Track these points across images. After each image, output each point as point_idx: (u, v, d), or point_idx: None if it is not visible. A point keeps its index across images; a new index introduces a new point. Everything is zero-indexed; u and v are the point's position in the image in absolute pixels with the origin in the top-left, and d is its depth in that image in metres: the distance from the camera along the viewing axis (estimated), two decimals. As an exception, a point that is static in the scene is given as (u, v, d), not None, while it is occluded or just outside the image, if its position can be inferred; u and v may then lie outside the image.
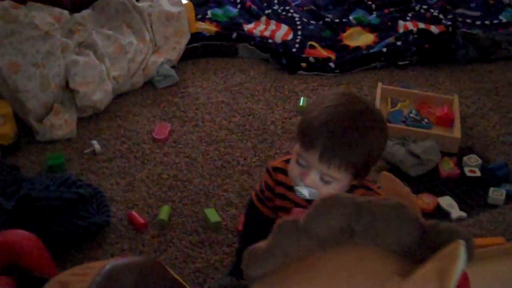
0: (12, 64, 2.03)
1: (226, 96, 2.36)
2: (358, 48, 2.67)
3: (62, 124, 2.08)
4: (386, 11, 2.98)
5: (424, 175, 2.00)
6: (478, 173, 1.99)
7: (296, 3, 3.03)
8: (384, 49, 2.58)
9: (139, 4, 2.49)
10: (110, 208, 1.78)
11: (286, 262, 0.81)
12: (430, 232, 0.77)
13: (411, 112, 2.21)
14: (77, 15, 2.37)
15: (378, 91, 2.28)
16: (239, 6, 2.94)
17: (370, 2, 3.03)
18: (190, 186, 1.91)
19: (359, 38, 2.75)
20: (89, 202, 1.71)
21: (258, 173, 1.97)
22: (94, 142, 2.05)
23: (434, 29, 2.78)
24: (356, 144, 1.22)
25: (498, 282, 1.54)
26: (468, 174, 1.99)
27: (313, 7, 2.98)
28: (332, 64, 2.54)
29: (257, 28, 2.77)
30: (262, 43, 2.61)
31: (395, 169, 1.99)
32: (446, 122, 2.17)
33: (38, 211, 1.59)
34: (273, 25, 2.81)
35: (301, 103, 2.30)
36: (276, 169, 1.42)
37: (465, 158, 2.04)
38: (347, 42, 2.73)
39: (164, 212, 1.78)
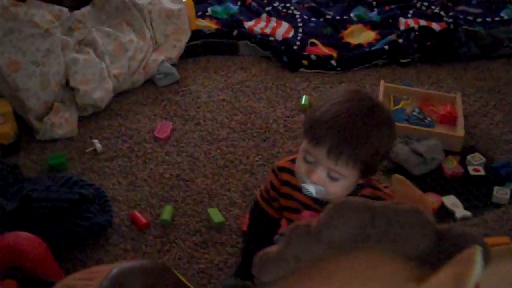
0: (12, 62, 2.01)
1: (228, 94, 2.34)
2: (359, 46, 2.66)
3: (63, 122, 2.07)
4: (387, 8, 2.97)
5: (428, 174, 1.98)
6: (482, 172, 1.98)
7: (297, 0, 3.01)
8: (386, 47, 2.57)
9: (139, 1, 2.47)
10: (112, 208, 1.76)
11: (298, 267, 0.79)
12: (445, 237, 0.76)
13: (414, 111, 2.20)
14: (76, 12, 2.35)
15: (381, 89, 2.27)
16: (239, 3, 2.93)
17: (371, -1, 3.02)
18: (192, 186, 1.89)
19: (360, 36, 2.73)
20: (91, 202, 1.69)
21: (261, 173, 1.95)
22: (95, 141, 2.04)
23: (435, 26, 2.76)
24: (364, 139, 1.21)
25: (504, 282, 1.53)
26: (472, 173, 1.98)
27: (313, 4, 2.97)
28: (333, 62, 2.53)
29: (258, 25, 2.75)
30: (263, 41, 2.59)
31: (399, 168, 1.98)
32: (449, 120, 2.16)
33: (40, 212, 1.57)
34: (273, 22, 2.79)
35: (303, 101, 2.28)
36: (281, 168, 1.41)
37: (468, 157, 2.03)
38: (348, 39, 2.72)
39: (167, 212, 1.76)
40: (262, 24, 2.76)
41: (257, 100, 2.32)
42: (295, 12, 2.89)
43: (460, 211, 1.84)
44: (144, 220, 1.74)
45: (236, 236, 1.72)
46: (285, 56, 2.52)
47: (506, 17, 2.91)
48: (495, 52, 2.62)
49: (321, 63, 2.52)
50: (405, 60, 2.55)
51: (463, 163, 2.03)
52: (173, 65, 2.44)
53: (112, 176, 1.92)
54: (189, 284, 1.04)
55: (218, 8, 2.86)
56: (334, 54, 2.58)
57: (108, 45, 2.29)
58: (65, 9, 2.29)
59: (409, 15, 2.89)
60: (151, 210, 1.80)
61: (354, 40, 2.70)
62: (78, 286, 0.96)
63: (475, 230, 1.79)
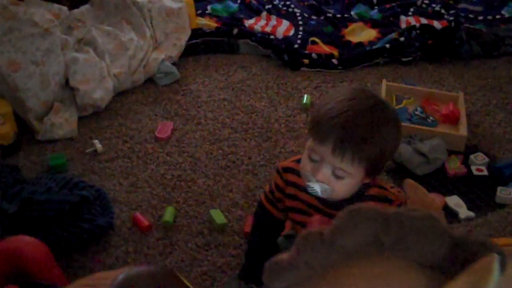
0: (12, 62, 1.99)
1: (228, 93, 2.32)
2: (360, 44, 2.64)
3: (63, 123, 2.05)
4: (387, 6, 2.96)
5: (431, 174, 1.97)
6: (486, 172, 1.97)
7: (297, -2, 3.00)
8: (388, 45, 2.56)
9: (138, -1, 2.45)
10: (113, 210, 1.74)
11: (309, 275, 0.78)
12: (461, 245, 0.74)
13: (416, 110, 2.19)
14: (76, 11, 2.33)
15: (383, 88, 2.26)
16: (239, 1, 2.91)
17: (371, -3, 3.00)
18: (194, 187, 1.88)
19: (361, 34, 2.72)
20: (92, 204, 1.68)
21: (263, 173, 1.94)
22: (96, 141, 2.02)
23: (436, 24, 2.75)
24: (369, 137, 1.21)
25: (509, 285, 1.52)
26: (476, 173, 1.97)
27: (313, 2, 2.95)
28: (335, 61, 2.51)
29: (258, 23, 2.73)
30: (264, 39, 2.58)
31: (402, 168, 1.97)
32: (452, 119, 2.15)
33: (41, 215, 1.56)
34: (274, 20, 2.78)
35: (304, 101, 2.27)
36: (286, 169, 1.40)
37: (471, 157, 2.02)
38: (349, 38, 2.70)
39: (168, 214, 1.75)
40: (263, 22, 2.75)
41: (258, 99, 2.30)
42: (296, 10, 2.87)
43: (463, 212, 1.83)
44: (146, 222, 1.72)
45: (238, 237, 1.71)
46: (286, 55, 2.50)
47: (507, 15, 2.90)
48: (497, 50, 2.61)
49: (322, 62, 2.51)
50: (406, 59, 2.54)
51: (466, 162, 2.02)
52: (173, 64, 2.42)
53: (113, 177, 1.91)
54: (195, 290, 1.03)
55: (218, 6, 2.84)
56: (335, 53, 2.56)
57: (108, 44, 2.27)
58: (65, 8, 2.26)
59: (410, 13, 2.88)
60: (153, 211, 1.78)
61: (355, 39, 2.69)
62: (84, 293, 0.95)
63: (479, 231, 1.78)
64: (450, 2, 2.97)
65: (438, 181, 1.95)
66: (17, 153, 1.97)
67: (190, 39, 2.53)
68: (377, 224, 0.74)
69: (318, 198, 1.32)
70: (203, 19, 2.70)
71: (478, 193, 1.92)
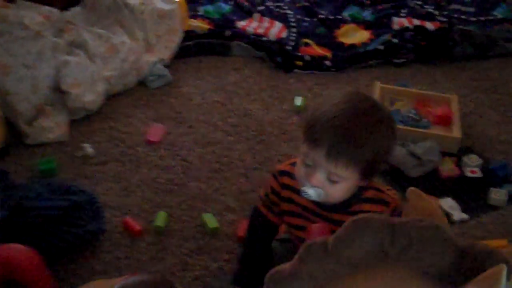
0: (2, 65, 1.97)
1: (221, 96, 2.31)
2: (353, 46, 2.63)
3: (54, 126, 2.03)
4: (380, 7, 2.95)
5: (424, 176, 1.97)
6: (479, 174, 1.97)
7: (289, -1, 2.98)
8: (381, 47, 2.55)
9: (130, 1, 2.42)
10: (104, 215, 1.72)
11: (312, 286, 0.76)
12: (467, 254, 0.73)
13: (409, 112, 2.18)
14: (67, 13, 2.31)
15: (376, 90, 2.25)
16: (231, 2, 2.89)
17: (363, -2, 2.99)
18: (186, 191, 1.86)
19: (354, 35, 2.71)
20: (83, 209, 1.66)
21: (256, 176, 1.93)
22: (87, 145, 2.00)
23: (429, 25, 2.75)
24: (363, 140, 1.20)
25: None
26: (469, 174, 1.97)
27: (306, 3, 2.94)
28: (328, 62, 2.50)
29: (251, 25, 2.72)
30: (256, 41, 2.56)
31: (395, 170, 1.96)
32: (445, 121, 2.14)
33: (31, 221, 1.54)
34: (266, 22, 2.76)
35: (297, 103, 2.26)
36: (282, 172, 1.39)
37: (465, 158, 2.01)
38: (342, 39, 2.69)
39: (160, 218, 1.73)
40: (255, 24, 2.73)
41: (251, 101, 2.29)
42: (288, 11, 2.86)
43: (458, 214, 1.83)
44: (137, 227, 1.71)
45: (231, 242, 1.69)
46: (278, 57, 2.49)
47: (499, 16, 2.90)
48: (490, 51, 2.60)
49: (316, 64, 2.50)
50: (399, 61, 2.53)
51: (459, 164, 2.01)
52: (166, 66, 2.40)
53: (104, 181, 1.89)
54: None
55: (210, 8, 2.83)
56: (328, 55, 2.55)
57: (99, 47, 2.25)
58: (55, 10, 2.24)
59: (403, 14, 2.87)
60: (144, 216, 1.77)
61: (348, 40, 2.68)
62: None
63: (472, 233, 1.78)
64: (443, 3, 2.97)
65: (432, 183, 1.94)
66: (6, 158, 1.94)
67: (182, 41, 2.51)
68: (383, 234, 0.73)
69: (314, 201, 1.31)
70: (195, 21, 2.68)
71: (472, 195, 1.91)
